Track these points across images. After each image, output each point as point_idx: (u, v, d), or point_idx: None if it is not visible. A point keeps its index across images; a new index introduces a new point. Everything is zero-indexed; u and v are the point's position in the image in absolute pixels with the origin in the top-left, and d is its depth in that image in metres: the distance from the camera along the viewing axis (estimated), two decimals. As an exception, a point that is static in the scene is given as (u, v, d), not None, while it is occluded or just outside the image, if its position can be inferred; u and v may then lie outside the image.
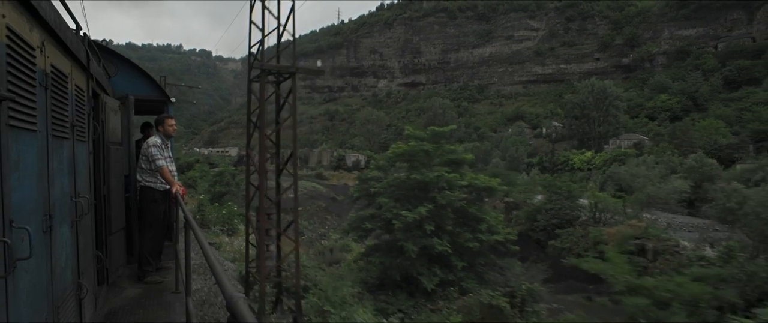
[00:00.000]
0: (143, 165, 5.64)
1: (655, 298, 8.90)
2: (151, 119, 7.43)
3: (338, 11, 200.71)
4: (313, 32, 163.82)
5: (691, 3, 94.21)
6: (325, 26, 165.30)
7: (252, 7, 10.28)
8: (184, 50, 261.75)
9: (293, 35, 10.51)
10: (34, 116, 2.28)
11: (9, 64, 1.93)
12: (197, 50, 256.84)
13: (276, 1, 10.35)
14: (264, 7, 10.06)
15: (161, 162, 5.49)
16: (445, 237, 10.79)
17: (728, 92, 76.50)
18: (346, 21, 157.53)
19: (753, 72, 75.78)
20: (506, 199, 28.95)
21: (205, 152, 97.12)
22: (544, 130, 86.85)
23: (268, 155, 10.79)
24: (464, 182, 11.70)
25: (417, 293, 9.23)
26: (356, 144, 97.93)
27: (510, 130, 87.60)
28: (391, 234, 11.30)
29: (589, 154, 62.61)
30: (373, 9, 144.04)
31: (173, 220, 5.84)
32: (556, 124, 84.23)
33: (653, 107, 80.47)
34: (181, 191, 5.34)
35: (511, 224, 21.83)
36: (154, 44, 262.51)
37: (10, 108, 1.94)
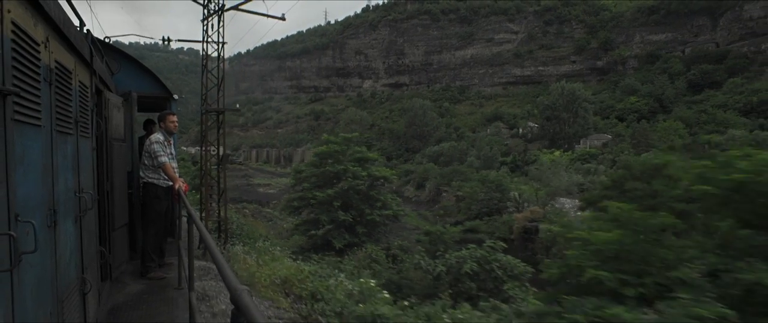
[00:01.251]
0: (146, 162, 5.66)
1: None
2: (154, 115, 7.70)
3: (325, 12, 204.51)
4: (300, 33, 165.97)
5: (661, 9, 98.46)
6: (312, 27, 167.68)
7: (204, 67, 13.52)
8: (172, 49, 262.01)
9: (219, 86, 13.88)
10: (38, 111, 2.28)
11: (14, 58, 1.94)
12: (185, 49, 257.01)
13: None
14: (204, 71, 13.25)
15: (163, 159, 5.52)
16: (353, 212, 14.41)
17: (692, 94, 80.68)
18: (332, 22, 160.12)
19: (715, 76, 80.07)
20: (457, 193, 32.26)
21: (192, 150, 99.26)
22: (520, 130, 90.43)
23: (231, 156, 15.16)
24: (364, 173, 15.13)
25: (332, 252, 12.36)
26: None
27: (488, 130, 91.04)
28: (311, 210, 14.96)
29: (558, 153, 66.21)
30: (359, 11, 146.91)
31: (176, 216, 5.92)
32: (531, 124, 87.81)
33: (623, 109, 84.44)
34: (183, 188, 5.40)
35: (459, 212, 25.12)
36: (142, 43, 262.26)
37: (15, 103, 1.94)
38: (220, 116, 14.23)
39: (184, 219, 5.64)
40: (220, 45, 13.84)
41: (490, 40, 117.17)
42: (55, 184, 2.62)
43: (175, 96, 7.73)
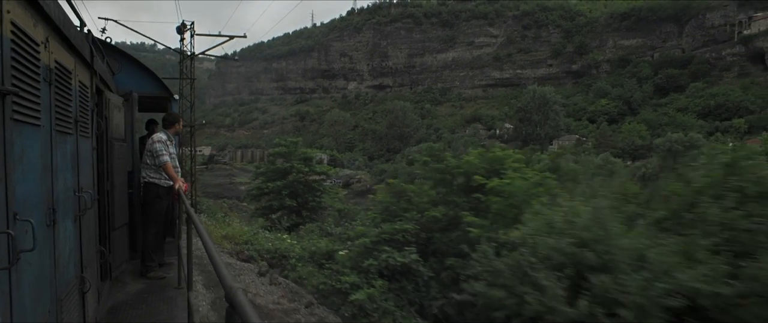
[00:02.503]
0: (148, 161, 5.67)
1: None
2: (154, 115, 7.88)
3: (312, 14, 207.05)
4: (286, 34, 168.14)
5: (633, 15, 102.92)
6: (298, 29, 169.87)
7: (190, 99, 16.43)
8: (159, 49, 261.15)
9: (192, 108, 17.00)
10: (38, 111, 2.29)
11: (13, 58, 1.95)
12: (172, 49, 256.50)
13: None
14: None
15: (165, 158, 5.54)
16: (299, 199, 18.26)
17: (658, 97, 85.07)
18: (318, 24, 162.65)
19: (679, 80, 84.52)
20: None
21: (179, 151, 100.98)
22: (497, 131, 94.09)
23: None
24: (307, 169, 18.91)
25: (282, 230, 15.74)
26: (325, 144, 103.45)
27: (467, 131, 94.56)
28: (267, 198, 18.70)
29: (528, 153, 69.96)
30: (344, 13, 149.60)
31: (176, 216, 5.95)
32: (508, 125, 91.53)
33: (594, 111, 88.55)
34: (183, 187, 5.42)
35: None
36: (129, 43, 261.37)
37: (14, 102, 1.95)
38: (192, 129, 17.24)
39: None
40: (192, 81, 16.85)
41: (470, 43, 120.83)
42: (55, 183, 2.66)
43: (176, 96, 7.74)
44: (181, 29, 18.18)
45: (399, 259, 8.38)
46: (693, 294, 4.08)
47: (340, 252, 9.62)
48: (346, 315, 7.61)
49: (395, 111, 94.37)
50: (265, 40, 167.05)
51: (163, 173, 5.58)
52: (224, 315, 1.22)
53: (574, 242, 5.10)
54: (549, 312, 4.72)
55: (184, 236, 4.47)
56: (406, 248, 8.69)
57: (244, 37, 18.87)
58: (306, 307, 6.74)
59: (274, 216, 17.92)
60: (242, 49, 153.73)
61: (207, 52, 20.26)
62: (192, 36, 16.57)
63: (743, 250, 4.26)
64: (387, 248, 8.68)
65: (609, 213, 5.13)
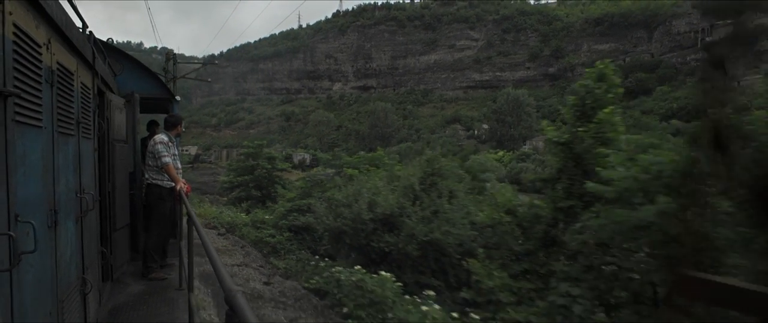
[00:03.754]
0: (150, 163, 5.66)
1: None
2: (155, 116, 8.03)
3: (299, 15, 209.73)
4: (272, 36, 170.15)
5: (606, 21, 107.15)
6: (284, 30, 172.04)
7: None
8: (145, 48, 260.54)
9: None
10: (39, 113, 2.29)
11: (15, 60, 1.95)
12: (158, 48, 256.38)
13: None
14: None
15: (167, 159, 5.54)
16: (264, 191, 21.56)
17: (628, 100, 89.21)
18: (304, 25, 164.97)
19: (647, 84, 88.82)
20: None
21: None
22: (475, 131, 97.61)
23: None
24: (269, 166, 22.27)
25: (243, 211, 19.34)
26: (309, 144, 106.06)
27: (447, 131, 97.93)
28: (238, 190, 22.06)
29: (501, 153, 73.42)
30: (330, 15, 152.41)
31: (178, 217, 6.03)
32: (485, 126, 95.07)
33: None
34: (185, 189, 5.45)
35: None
36: (114, 42, 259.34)
37: (16, 104, 1.95)
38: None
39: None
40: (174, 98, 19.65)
41: (452, 46, 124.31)
42: (56, 185, 2.64)
43: (177, 98, 7.88)
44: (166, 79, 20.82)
45: (301, 219, 13.03)
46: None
47: (266, 217, 13.89)
48: (265, 251, 11.86)
49: (377, 112, 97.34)
50: (252, 41, 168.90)
51: (166, 174, 5.61)
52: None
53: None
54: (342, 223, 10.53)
55: (185, 236, 4.61)
56: (309, 213, 13.27)
57: (216, 63, 21.70)
58: (241, 248, 9.91)
59: (243, 205, 21.17)
60: (229, 50, 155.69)
61: (186, 76, 22.78)
62: (174, 63, 19.20)
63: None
64: (295, 214, 13.38)
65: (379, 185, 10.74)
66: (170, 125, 5.96)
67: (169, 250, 6.34)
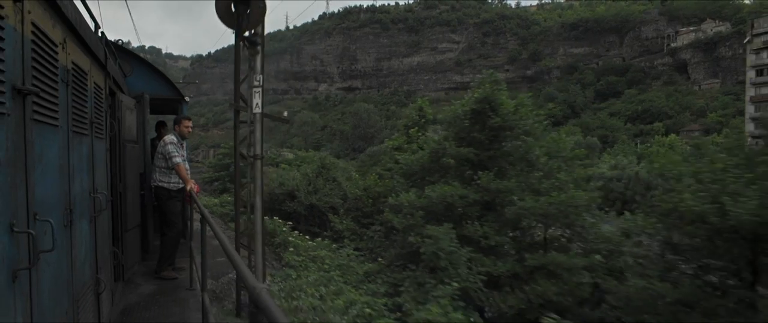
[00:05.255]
0: (160, 164, 5.69)
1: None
2: (164, 117, 7.98)
3: (286, 16, 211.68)
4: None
5: (581, 26, 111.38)
6: (271, 31, 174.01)
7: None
8: (133, 47, 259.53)
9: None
10: (56, 112, 2.30)
11: (34, 59, 1.95)
12: (147, 47, 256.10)
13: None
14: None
15: (178, 159, 5.58)
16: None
17: (599, 102, 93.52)
18: (291, 27, 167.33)
19: (617, 86, 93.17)
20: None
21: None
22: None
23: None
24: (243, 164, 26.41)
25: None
26: (295, 143, 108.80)
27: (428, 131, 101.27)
28: (216, 183, 25.69)
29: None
30: (316, 17, 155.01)
31: (187, 217, 6.13)
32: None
33: (542, 114, 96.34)
34: (195, 189, 5.54)
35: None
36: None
37: (35, 103, 1.96)
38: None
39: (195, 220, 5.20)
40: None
41: (434, 49, 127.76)
42: (72, 184, 2.65)
43: (187, 98, 7.80)
44: None
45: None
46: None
47: (229, 198, 17.16)
48: (227, 219, 14.99)
49: (360, 113, 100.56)
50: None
51: (173, 177, 5.61)
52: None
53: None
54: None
55: (197, 236, 4.38)
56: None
57: (190, 95, 25.72)
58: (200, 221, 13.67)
59: (220, 195, 24.73)
60: (216, 52, 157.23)
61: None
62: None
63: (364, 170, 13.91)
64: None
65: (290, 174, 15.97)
66: (175, 123, 6.12)
67: (178, 250, 6.28)
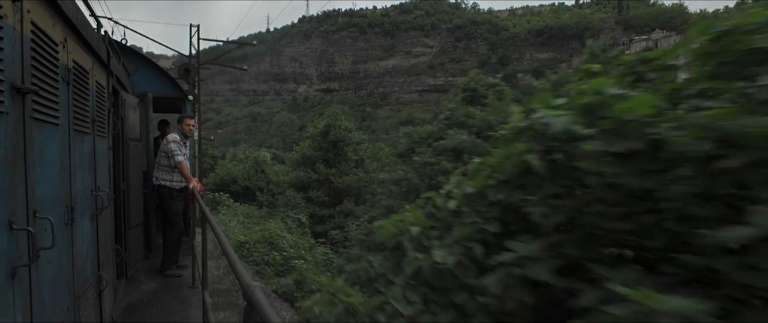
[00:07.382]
0: (163, 162, 5.66)
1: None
2: (167, 115, 8.26)
3: (268, 19, 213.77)
4: (241, 37, 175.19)
5: (546, 32, 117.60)
6: (253, 33, 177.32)
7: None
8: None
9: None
10: (56, 110, 2.30)
11: (33, 58, 1.95)
12: (128, 44, 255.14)
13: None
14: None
15: (181, 158, 5.57)
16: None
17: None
18: (272, 30, 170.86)
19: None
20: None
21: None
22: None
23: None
24: (212, 161, 30.95)
25: None
26: (273, 143, 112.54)
27: (400, 132, 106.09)
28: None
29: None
30: (296, 20, 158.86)
31: (190, 216, 6.14)
32: (429, 126, 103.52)
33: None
34: (198, 188, 5.53)
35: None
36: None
37: (34, 101, 1.96)
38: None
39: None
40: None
41: (408, 52, 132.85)
42: (73, 182, 2.65)
43: (190, 97, 7.75)
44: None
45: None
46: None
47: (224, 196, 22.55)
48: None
49: (333, 115, 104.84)
50: (220, 44, 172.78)
51: (175, 175, 5.62)
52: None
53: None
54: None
55: (198, 235, 4.55)
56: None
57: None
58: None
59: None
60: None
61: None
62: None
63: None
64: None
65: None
66: (178, 121, 6.08)
67: (181, 249, 6.23)
